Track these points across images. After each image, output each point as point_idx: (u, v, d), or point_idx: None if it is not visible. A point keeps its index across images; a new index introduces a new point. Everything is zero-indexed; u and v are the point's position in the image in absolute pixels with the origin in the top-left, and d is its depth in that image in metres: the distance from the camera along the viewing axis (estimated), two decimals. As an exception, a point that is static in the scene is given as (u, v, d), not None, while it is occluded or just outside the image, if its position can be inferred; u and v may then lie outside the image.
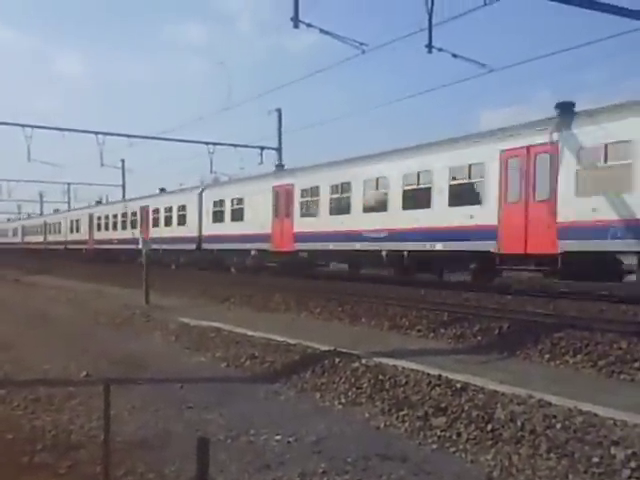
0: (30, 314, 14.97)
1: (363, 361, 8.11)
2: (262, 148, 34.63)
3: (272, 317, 13.22)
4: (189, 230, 30.14)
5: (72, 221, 48.64)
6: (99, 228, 42.32)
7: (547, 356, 8.37)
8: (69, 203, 66.40)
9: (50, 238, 54.78)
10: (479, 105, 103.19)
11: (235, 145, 34.58)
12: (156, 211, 34.15)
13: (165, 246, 31.45)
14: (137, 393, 7.24)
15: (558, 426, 5.37)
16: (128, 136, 32.68)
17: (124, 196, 50.36)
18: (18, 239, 67.77)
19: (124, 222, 37.87)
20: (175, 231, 31.69)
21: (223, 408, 6.59)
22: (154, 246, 28.94)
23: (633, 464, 4.58)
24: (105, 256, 40.40)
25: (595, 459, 4.72)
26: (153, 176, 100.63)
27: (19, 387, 7.60)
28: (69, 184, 65.24)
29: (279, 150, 34.79)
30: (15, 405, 6.86)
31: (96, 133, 31.57)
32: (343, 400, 6.88)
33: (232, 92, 31.34)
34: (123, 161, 51.08)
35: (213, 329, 11.37)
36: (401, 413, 6.21)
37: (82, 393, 7.16)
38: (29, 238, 62.93)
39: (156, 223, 33.91)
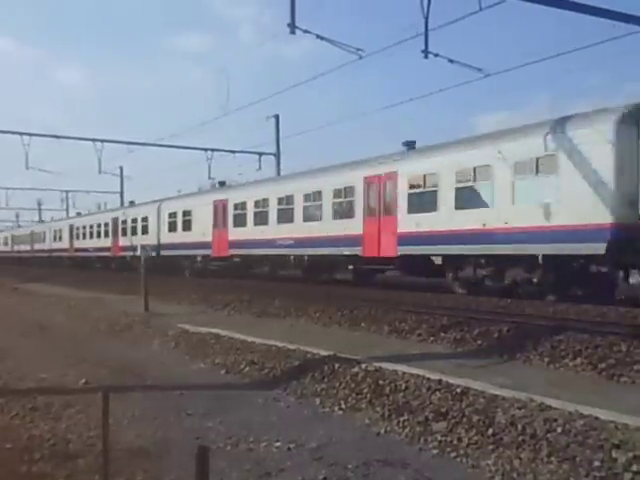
0: (29, 322, 14.93)
1: (363, 366, 8.09)
2: (260, 154, 34.70)
3: (271, 322, 13.20)
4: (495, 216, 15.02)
5: (171, 213, 32.15)
6: (238, 222, 26.11)
7: (547, 359, 8.34)
8: (67, 210, 66.24)
9: (126, 242, 36.58)
10: (477, 110, 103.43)
11: (233, 151, 34.67)
12: (388, 183, 18.62)
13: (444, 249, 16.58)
14: (136, 401, 7.22)
15: (559, 430, 5.35)
16: (126, 143, 32.79)
17: (122, 203, 50.19)
18: (64, 244, 49.40)
19: (307, 210, 22.20)
20: (455, 219, 16.09)
21: (223, 415, 6.57)
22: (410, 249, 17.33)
23: (635, 467, 4.56)
24: (247, 268, 26.40)
25: (596, 463, 4.70)
26: (151, 183, 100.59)
27: (17, 396, 7.57)
28: (67, 191, 65.18)
29: (277, 156, 34.84)
30: (13, 414, 6.83)
31: (94, 140, 31.62)
32: (343, 406, 6.86)
33: (231, 99, 31.49)
34: (121, 168, 51.00)
35: (212, 335, 11.35)
36: (401, 418, 6.19)
37: (81, 401, 7.13)
38: (83, 243, 44.91)
39: (390, 208, 18.55)
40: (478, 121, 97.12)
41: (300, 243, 22.00)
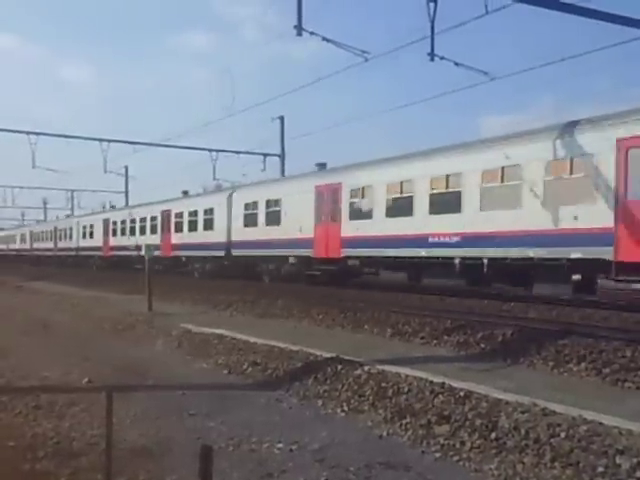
0: (33, 320, 14.96)
1: (366, 368, 8.08)
2: (265, 155, 34.74)
3: (274, 324, 13.20)
4: None
5: (249, 204, 25.61)
6: (358, 213, 19.90)
7: (551, 364, 8.31)
8: (72, 209, 66.39)
9: (181, 239, 30.43)
10: (482, 112, 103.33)
11: (238, 152, 34.71)
12: None
13: None
14: (139, 400, 7.22)
15: (562, 435, 5.33)
16: (132, 143, 32.87)
17: (127, 203, 50.23)
18: (97, 242, 41.33)
19: (490, 193, 15.65)
20: None
21: (225, 415, 6.57)
22: None
23: (639, 473, 4.55)
24: (370, 274, 20.65)
25: (600, 468, 4.69)
26: (156, 183, 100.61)
27: (21, 394, 7.58)
28: (73, 191, 65.31)
29: (282, 157, 34.87)
30: (17, 412, 6.84)
31: (100, 140, 31.75)
32: (345, 408, 6.85)
33: (236, 99, 31.32)
34: (126, 168, 51.11)
35: (215, 336, 11.35)
36: (404, 421, 6.18)
37: (84, 400, 7.14)
38: (122, 241, 37.35)
39: None
40: (483, 123, 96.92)
41: (474, 241, 15.78)
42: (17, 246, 66.28)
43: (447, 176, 16.68)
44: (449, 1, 14.18)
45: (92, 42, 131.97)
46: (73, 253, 46.08)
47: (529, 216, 14.40)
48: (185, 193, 36.83)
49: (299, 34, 13.72)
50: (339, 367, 8.22)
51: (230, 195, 27.25)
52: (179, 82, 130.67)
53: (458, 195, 16.28)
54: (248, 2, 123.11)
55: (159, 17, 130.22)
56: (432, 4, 13.85)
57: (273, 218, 23.58)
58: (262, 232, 24.11)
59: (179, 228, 30.86)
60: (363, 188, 19.64)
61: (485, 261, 15.43)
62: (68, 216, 59.48)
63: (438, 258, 16.74)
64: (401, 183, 18.20)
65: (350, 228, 19.92)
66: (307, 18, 13.84)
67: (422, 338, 10.58)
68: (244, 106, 41.07)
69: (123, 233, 37.89)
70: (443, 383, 7.10)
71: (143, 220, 35.36)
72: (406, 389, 7.09)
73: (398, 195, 18.34)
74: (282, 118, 34.61)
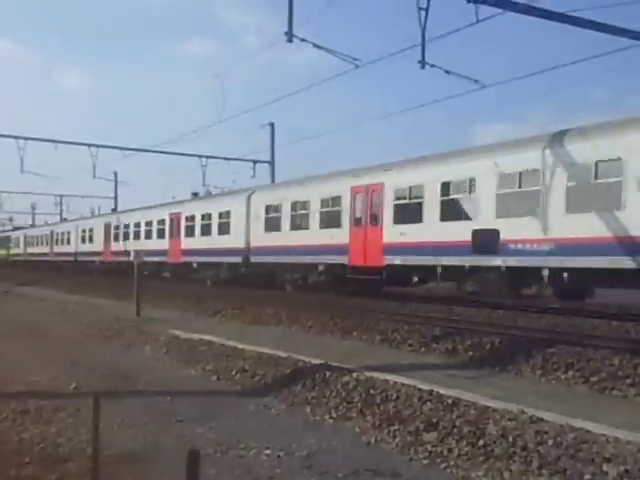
0: (20, 325, 14.84)
1: (354, 375, 8.08)
2: (255, 162, 34.73)
3: (263, 330, 13.16)
4: None
5: None
6: None
7: (539, 372, 8.35)
8: (61, 215, 65.96)
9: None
10: (476, 121, 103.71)
11: (228, 158, 34.68)
12: None
13: None
14: (127, 406, 7.18)
15: (550, 442, 5.35)
16: (121, 148, 32.77)
17: (116, 209, 49.93)
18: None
19: None
20: None
21: (213, 422, 6.54)
22: None
23: (625, 481, 4.57)
24: None
25: (587, 476, 4.71)
26: (145, 189, 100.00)
27: (7, 399, 7.51)
28: (61, 196, 64.87)
29: (272, 164, 34.88)
30: (3, 417, 6.78)
31: (89, 145, 31.58)
32: (334, 414, 6.84)
33: (227, 106, 30.91)
34: (116, 173, 50.86)
35: (204, 342, 11.31)
36: (392, 428, 6.18)
37: (71, 406, 7.08)
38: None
39: None
40: (474, 134, 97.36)
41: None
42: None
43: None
44: (440, 10, 14.29)
45: (90, 49, 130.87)
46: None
47: None
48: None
49: (289, 40, 13.78)
50: (327, 374, 8.21)
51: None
52: (176, 89, 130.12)
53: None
54: (250, 11, 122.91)
55: (159, 25, 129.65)
56: (423, 12, 13.94)
57: None
58: None
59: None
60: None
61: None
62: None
63: None
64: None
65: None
66: (306, 27, 13.94)
67: (410, 345, 10.59)
68: (237, 113, 40.82)
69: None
70: (431, 390, 7.11)
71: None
72: (394, 396, 7.09)
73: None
74: (272, 125, 34.66)
